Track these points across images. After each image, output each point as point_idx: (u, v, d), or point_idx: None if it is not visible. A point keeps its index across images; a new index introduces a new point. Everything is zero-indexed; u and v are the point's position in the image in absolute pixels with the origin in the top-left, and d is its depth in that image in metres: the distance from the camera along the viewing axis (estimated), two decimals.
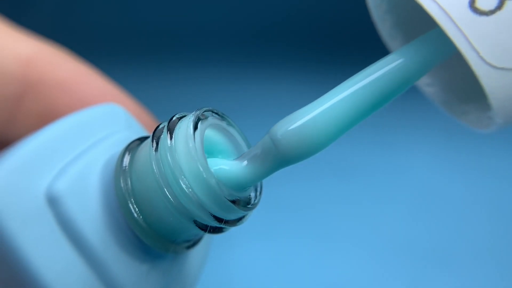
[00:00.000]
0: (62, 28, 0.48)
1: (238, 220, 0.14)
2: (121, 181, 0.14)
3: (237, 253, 0.31)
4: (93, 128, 0.16)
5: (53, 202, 0.14)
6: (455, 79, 0.16)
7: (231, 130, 0.15)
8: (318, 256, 0.32)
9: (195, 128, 0.14)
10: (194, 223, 0.14)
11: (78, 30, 0.54)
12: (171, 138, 0.14)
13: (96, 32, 0.55)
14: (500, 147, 0.44)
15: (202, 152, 0.14)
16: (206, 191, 0.14)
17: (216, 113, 0.15)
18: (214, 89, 0.49)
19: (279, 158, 0.14)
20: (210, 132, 0.15)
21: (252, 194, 0.15)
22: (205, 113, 0.15)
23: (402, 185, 0.39)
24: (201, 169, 0.14)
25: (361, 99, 0.14)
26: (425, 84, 0.17)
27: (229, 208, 0.14)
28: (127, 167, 0.15)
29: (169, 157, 0.14)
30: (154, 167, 0.14)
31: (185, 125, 0.14)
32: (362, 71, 0.14)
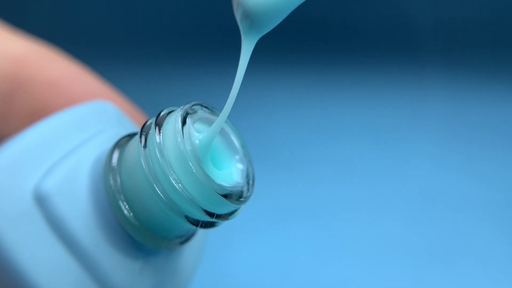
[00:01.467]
0: (55, 27, 0.48)
1: (230, 214, 0.14)
2: (111, 178, 0.14)
3: (235, 253, 0.31)
4: (83, 125, 0.16)
5: (42, 201, 0.13)
6: None
7: None
8: (318, 256, 0.32)
9: (184, 122, 0.14)
10: (186, 218, 0.14)
11: (70, 29, 0.53)
12: (159, 134, 0.14)
13: (87, 31, 0.55)
14: (501, 146, 0.44)
15: (191, 146, 0.14)
16: (196, 186, 0.13)
17: (205, 107, 0.15)
18: (207, 86, 0.49)
19: None
20: (200, 126, 0.15)
21: (245, 187, 0.15)
22: (194, 107, 0.14)
23: (402, 185, 0.39)
24: (190, 164, 0.13)
25: None
26: None
27: (221, 202, 0.14)
28: (116, 164, 0.14)
29: (158, 153, 0.14)
30: (143, 164, 0.14)
31: (173, 120, 0.14)
32: None
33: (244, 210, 0.15)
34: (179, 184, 0.13)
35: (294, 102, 0.49)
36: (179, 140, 0.14)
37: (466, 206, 0.37)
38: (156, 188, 0.14)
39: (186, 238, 0.15)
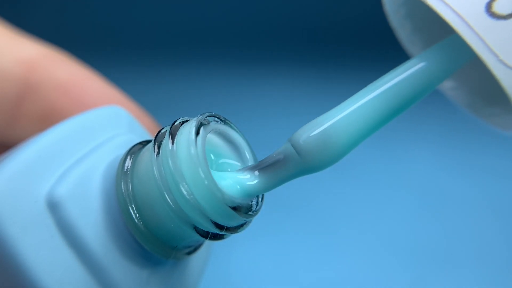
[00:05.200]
0: (62, 31, 0.48)
1: (239, 227, 0.14)
2: (122, 185, 0.14)
3: (236, 252, 0.31)
4: (95, 130, 0.16)
5: (54, 207, 0.13)
6: (480, 82, 0.16)
7: (234, 135, 0.15)
8: (318, 256, 0.32)
9: (197, 133, 0.14)
10: (195, 229, 0.14)
11: (79, 33, 0.54)
12: (172, 143, 0.14)
13: (97, 35, 0.55)
14: (501, 146, 0.44)
15: (204, 157, 0.14)
16: (207, 197, 0.13)
17: (218, 118, 0.15)
18: (215, 92, 0.49)
19: (302, 166, 0.14)
20: (213, 137, 0.15)
21: (254, 201, 0.15)
22: (208, 118, 0.15)
23: (402, 184, 0.39)
24: (202, 175, 0.13)
25: (384, 103, 0.14)
26: (449, 87, 0.17)
27: (230, 215, 0.14)
28: (128, 171, 0.14)
29: (170, 162, 0.14)
30: (155, 172, 0.14)
31: (187, 130, 0.14)
32: (383, 76, 0.14)
33: None
34: (190, 195, 0.14)
35: (293, 103, 0.49)
36: (192, 151, 0.14)
37: (466, 207, 0.37)
38: (167, 197, 0.14)
39: (194, 249, 0.15)
